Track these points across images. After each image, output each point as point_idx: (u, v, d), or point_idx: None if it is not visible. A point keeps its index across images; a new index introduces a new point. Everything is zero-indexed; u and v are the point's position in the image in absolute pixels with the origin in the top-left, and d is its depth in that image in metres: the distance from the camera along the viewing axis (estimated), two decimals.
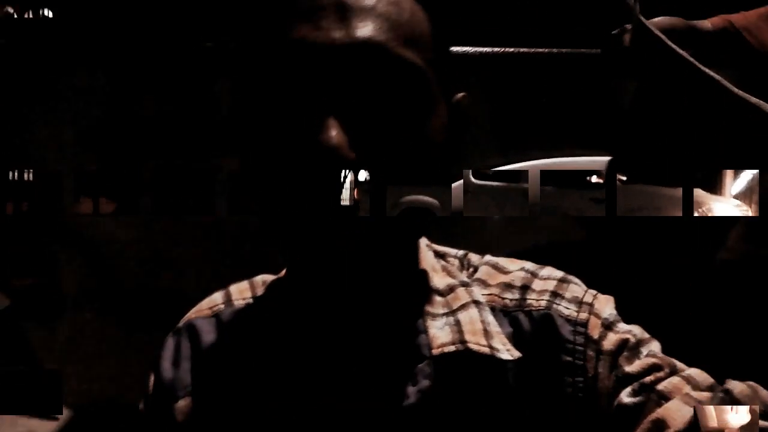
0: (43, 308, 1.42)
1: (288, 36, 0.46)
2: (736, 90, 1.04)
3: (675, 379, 0.49)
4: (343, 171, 0.44)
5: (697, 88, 1.12)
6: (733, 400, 0.46)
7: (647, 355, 0.51)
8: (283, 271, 0.62)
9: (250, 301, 0.61)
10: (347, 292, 0.51)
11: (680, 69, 1.13)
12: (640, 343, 0.52)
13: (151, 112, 1.41)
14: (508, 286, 0.57)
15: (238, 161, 0.52)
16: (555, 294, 0.55)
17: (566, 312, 0.54)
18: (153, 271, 1.45)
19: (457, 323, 0.53)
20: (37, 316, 1.43)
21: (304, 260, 0.50)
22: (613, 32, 1.32)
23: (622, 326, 0.54)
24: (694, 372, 0.50)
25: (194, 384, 0.57)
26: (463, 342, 0.52)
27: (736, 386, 0.47)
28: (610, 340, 0.52)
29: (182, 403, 0.56)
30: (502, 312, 0.55)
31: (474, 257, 0.62)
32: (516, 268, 0.59)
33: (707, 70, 1.07)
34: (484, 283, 0.58)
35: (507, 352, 0.51)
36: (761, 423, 0.44)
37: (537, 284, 0.56)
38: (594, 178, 1.33)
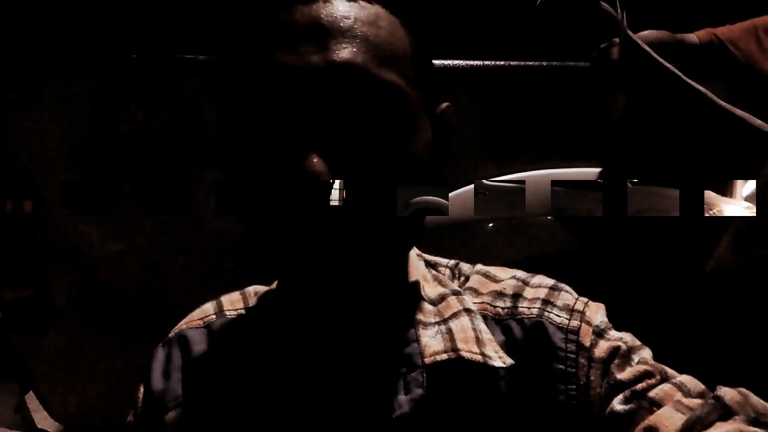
0: (34, 321, 1.41)
1: (267, 60, 0.46)
2: (721, 103, 1.05)
3: (666, 386, 0.49)
4: (328, 191, 0.44)
5: (684, 100, 1.13)
6: (724, 407, 0.46)
7: (638, 363, 0.51)
8: (275, 283, 0.62)
9: (242, 311, 0.61)
10: (338, 304, 0.51)
11: (667, 82, 1.15)
12: (631, 350, 0.52)
13: (138, 124, 1.41)
14: (500, 295, 0.57)
15: (221, 173, 0.52)
16: (546, 302, 0.55)
17: (558, 320, 0.54)
18: (143, 282, 1.44)
19: (449, 331, 0.53)
20: (28, 329, 1.42)
21: (293, 275, 0.50)
22: (601, 46, 1.34)
23: (614, 334, 0.54)
24: (685, 379, 0.51)
25: (185, 395, 0.56)
26: (456, 350, 0.52)
27: (726, 393, 0.47)
28: (602, 348, 0.52)
29: (172, 415, 0.55)
30: (494, 320, 0.55)
31: (465, 266, 0.62)
32: (507, 276, 0.59)
33: (693, 84, 1.09)
34: (475, 292, 0.58)
35: (499, 359, 0.51)
36: (753, 430, 0.44)
37: (528, 292, 0.56)
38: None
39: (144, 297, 1.44)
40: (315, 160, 0.43)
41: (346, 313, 0.52)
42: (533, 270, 0.60)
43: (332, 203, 0.44)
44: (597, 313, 0.55)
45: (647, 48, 1.17)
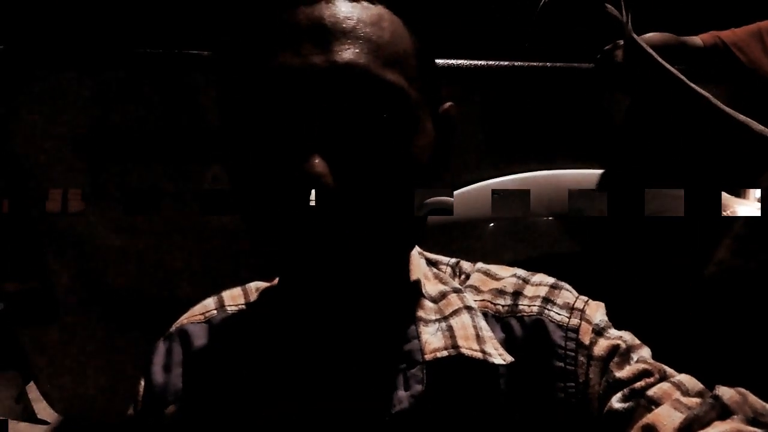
0: (36, 313, 1.42)
1: (269, 62, 0.46)
2: (724, 107, 1.05)
3: (665, 385, 0.49)
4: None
5: (686, 104, 1.13)
6: (722, 406, 0.46)
7: (637, 361, 0.52)
8: (276, 279, 0.62)
9: (243, 307, 0.61)
10: (338, 302, 0.51)
11: (670, 85, 1.15)
12: (630, 349, 0.53)
13: (142, 119, 1.41)
14: (500, 293, 0.57)
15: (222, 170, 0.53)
16: (547, 300, 0.56)
17: (558, 318, 0.54)
18: (145, 275, 1.45)
19: (450, 329, 0.54)
20: (30, 321, 1.42)
21: (294, 275, 0.50)
22: (605, 48, 1.33)
23: (613, 332, 0.54)
24: (684, 378, 0.51)
25: (185, 389, 0.57)
26: (456, 347, 0.52)
27: (725, 392, 0.47)
28: (601, 346, 0.53)
29: (172, 409, 0.56)
30: (494, 318, 0.56)
31: (466, 265, 0.62)
32: (508, 274, 0.60)
33: (696, 87, 1.08)
34: (476, 290, 0.59)
35: (499, 356, 0.52)
36: (751, 429, 0.44)
37: (529, 290, 0.57)
38: None
39: (145, 290, 1.44)
40: (317, 161, 0.43)
41: (346, 310, 0.53)
42: (535, 270, 0.60)
43: (333, 205, 0.45)
44: (597, 312, 0.56)
45: (651, 51, 1.17)
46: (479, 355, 0.52)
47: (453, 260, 0.63)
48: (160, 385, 0.58)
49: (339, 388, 0.53)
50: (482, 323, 0.55)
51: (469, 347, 0.52)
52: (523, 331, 0.54)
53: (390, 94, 0.46)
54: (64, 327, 1.46)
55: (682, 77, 1.12)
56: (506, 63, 1.45)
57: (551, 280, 0.59)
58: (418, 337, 0.53)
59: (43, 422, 1.45)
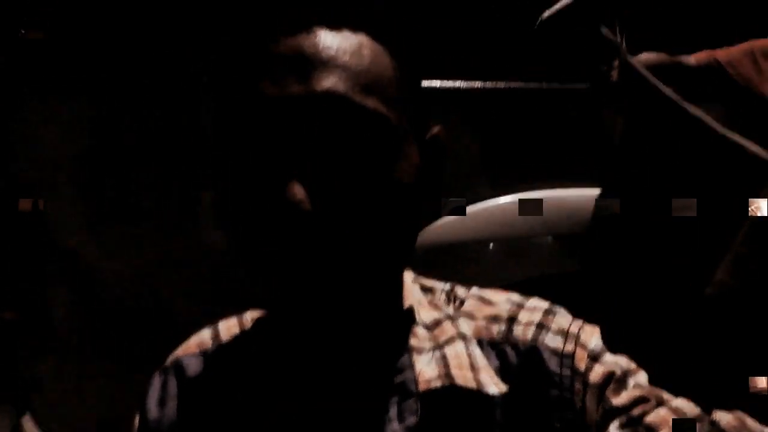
0: (33, 343, 1.41)
1: (251, 91, 0.46)
2: (719, 127, 1.06)
3: (662, 411, 0.49)
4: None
5: (682, 125, 1.14)
6: (720, 431, 0.46)
7: (634, 387, 0.51)
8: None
9: (239, 338, 0.61)
10: (329, 332, 0.51)
11: (666, 106, 1.16)
12: (626, 374, 0.52)
13: (137, 141, 1.42)
14: (495, 319, 0.57)
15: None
16: (541, 326, 0.55)
17: (552, 344, 0.53)
18: (143, 302, 1.44)
19: (444, 358, 0.53)
20: (27, 351, 1.42)
21: (281, 305, 0.50)
22: (600, 68, 1.35)
23: (609, 357, 0.54)
24: (681, 403, 0.50)
25: (180, 423, 0.56)
26: (450, 377, 0.51)
27: (722, 417, 0.47)
28: (597, 373, 0.52)
29: None
30: (489, 345, 0.55)
31: (460, 290, 0.61)
32: (502, 299, 0.59)
33: (691, 108, 1.09)
34: (470, 316, 0.58)
35: (494, 386, 0.51)
36: None
37: (523, 316, 0.56)
38: None
39: (144, 314, 1.44)
40: (296, 189, 0.44)
41: (338, 341, 0.52)
42: (534, 291, 0.60)
43: (314, 231, 0.45)
44: (592, 337, 0.55)
45: (645, 72, 1.18)
46: (473, 384, 0.51)
47: (447, 285, 0.62)
48: (155, 420, 0.57)
49: (332, 420, 0.52)
50: (476, 351, 0.54)
51: (462, 377, 0.52)
52: (518, 359, 0.53)
53: (369, 120, 0.46)
54: (61, 356, 1.45)
55: (677, 98, 1.13)
56: (503, 84, 1.47)
57: (545, 304, 0.58)
58: (411, 366, 0.53)
59: None
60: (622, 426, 0.49)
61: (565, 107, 1.49)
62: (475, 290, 0.61)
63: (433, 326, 0.56)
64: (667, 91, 1.14)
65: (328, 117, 0.45)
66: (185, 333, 0.65)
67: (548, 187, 1.48)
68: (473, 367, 0.52)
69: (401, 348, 0.54)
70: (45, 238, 1.39)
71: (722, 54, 1.46)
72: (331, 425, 0.52)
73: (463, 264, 1.46)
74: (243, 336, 0.61)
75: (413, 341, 0.54)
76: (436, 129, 0.55)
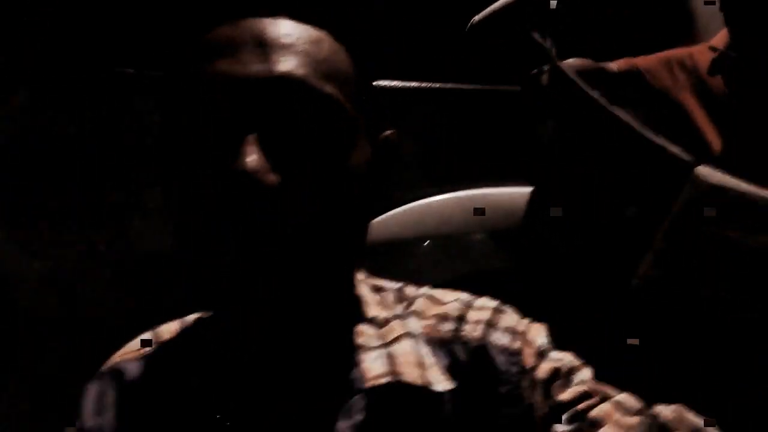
0: None
1: (209, 70, 0.47)
2: (642, 130, 1.13)
3: (605, 406, 0.50)
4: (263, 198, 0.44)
5: (607, 127, 1.20)
6: (659, 425, 0.48)
7: (578, 383, 0.53)
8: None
9: (180, 340, 0.59)
10: (276, 327, 0.50)
11: (592, 109, 1.22)
12: (572, 370, 0.54)
13: (68, 136, 1.34)
14: (444, 318, 0.57)
15: (154, 193, 0.52)
16: (489, 324, 0.56)
17: (501, 342, 0.55)
18: (62, 307, 1.36)
19: (390, 355, 0.53)
20: None
21: (224, 293, 0.49)
22: (531, 72, 1.40)
23: (555, 354, 0.55)
24: (624, 397, 0.52)
25: (121, 431, 0.54)
26: (397, 374, 0.52)
27: (662, 410, 0.50)
28: (543, 369, 0.53)
29: None
30: (438, 344, 0.56)
31: (410, 289, 0.62)
32: (452, 299, 0.60)
33: (615, 111, 1.16)
34: (420, 315, 0.58)
35: (441, 383, 0.52)
36: None
37: (472, 315, 0.57)
38: None
39: (65, 317, 1.36)
40: (253, 157, 0.44)
41: (284, 337, 0.52)
42: (469, 287, 0.61)
43: (265, 205, 0.44)
44: (539, 334, 0.56)
45: (574, 77, 1.24)
46: (420, 381, 0.52)
47: (397, 285, 0.63)
48: (92, 430, 0.55)
49: (279, 418, 0.52)
50: (425, 350, 0.54)
51: (410, 374, 0.52)
52: (467, 357, 0.54)
53: (326, 104, 0.47)
54: None
55: (603, 102, 1.20)
56: (438, 85, 1.50)
57: (494, 303, 0.59)
58: (358, 364, 0.53)
59: None
60: (567, 421, 0.50)
61: (498, 108, 1.53)
62: (425, 289, 0.62)
63: (382, 324, 0.56)
64: (594, 94, 1.20)
65: (286, 98, 0.46)
66: (103, 339, 0.62)
67: (482, 186, 1.53)
68: (421, 365, 0.53)
69: (349, 346, 0.54)
70: None
71: (642, 62, 1.55)
72: (277, 423, 0.51)
73: (399, 260, 1.47)
74: (185, 337, 0.59)
75: (361, 339, 0.54)
76: (388, 132, 0.56)
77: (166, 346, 0.59)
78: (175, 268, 1.25)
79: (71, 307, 1.37)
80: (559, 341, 0.57)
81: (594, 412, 0.50)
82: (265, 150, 0.45)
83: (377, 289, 0.61)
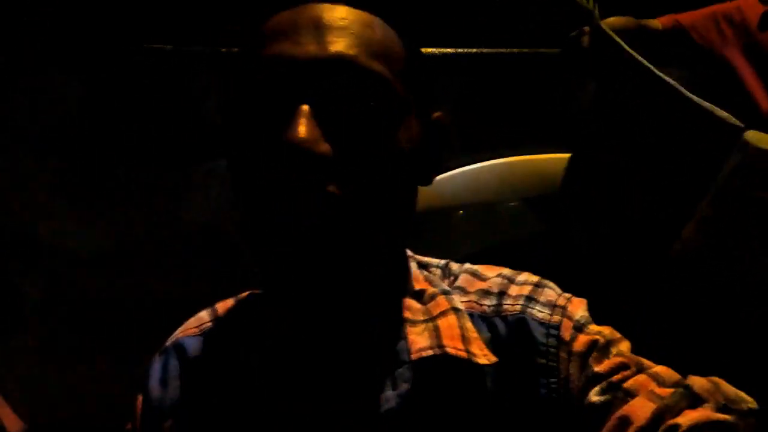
0: (1, 322, 1.37)
1: (270, 52, 0.49)
2: (688, 94, 1.08)
3: (641, 377, 0.51)
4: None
5: (651, 89, 1.16)
6: (692, 395, 0.49)
7: (616, 355, 0.53)
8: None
9: (238, 316, 0.62)
10: (329, 302, 0.52)
11: (636, 71, 1.18)
12: (609, 343, 0.54)
13: (123, 118, 1.37)
14: (486, 293, 0.59)
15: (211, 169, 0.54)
16: (530, 298, 0.57)
17: (540, 315, 0.56)
18: (119, 282, 1.41)
19: (436, 329, 0.54)
20: None
21: (280, 268, 0.50)
22: (571, 34, 1.35)
23: (593, 328, 0.56)
24: (660, 369, 0.52)
25: (182, 403, 0.57)
26: (441, 346, 0.53)
27: (695, 382, 0.50)
28: (581, 342, 0.54)
29: (170, 423, 0.56)
30: (480, 318, 0.57)
31: (454, 266, 0.64)
32: (493, 274, 0.61)
33: (661, 74, 1.11)
34: (463, 291, 0.60)
35: (484, 357, 0.53)
36: (721, 416, 0.47)
37: (513, 289, 0.58)
38: None
39: (118, 295, 1.40)
40: (303, 127, 0.46)
41: (336, 312, 0.53)
42: (504, 255, 0.62)
43: (320, 173, 0.46)
44: (578, 309, 0.57)
45: (617, 38, 1.19)
46: (464, 354, 0.53)
47: (443, 262, 0.65)
48: (157, 400, 0.58)
49: (328, 389, 0.53)
50: (468, 324, 0.55)
51: (454, 347, 0.53)
52: (507, 330, 0.55)
53: (377, 83, 0.49)
54: (32, 336, 1.41)
55: (648, 64, 1.15)
56: (475, 50, 1.46)
57: (535, 278, 0.60)
58: (405, 337, 0.54)
59: None
60: (602, 391, 0.51)
61: (538, 73, 1.49)
62: (467, 266, 0.63)
63: (428, 300, 0.58)
64: (639, 57, 1.16)
65: (339, 76, 0.48)
66: (161, 316, 0.64)
67: (518, 153, 1.50)
68: (464, 338, 0.54)
69: (396, 320, 0.56)
70: (15, 218, 1.34)
71: (687, 18, 1.49)
72: (327, 393, 0.53)
73: (434, 231, 1.47)
74: (242, 314, 0.62)
75: (408, 314, 0.56)
76: (438, 113, 0.57)
77: (223, 322, 0.62)
78: (233, 244, 1.28)
79: (132, 284, 1.41)
80: (598, 313, 0.57)
81: (629, 383, 0.51)
82: (318, 122, 0.47)
83: (423, 266, 0.63)
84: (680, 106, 1.10)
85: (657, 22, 1.50)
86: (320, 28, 0.49)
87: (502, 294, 0.58)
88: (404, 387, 0.51)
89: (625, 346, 0.55)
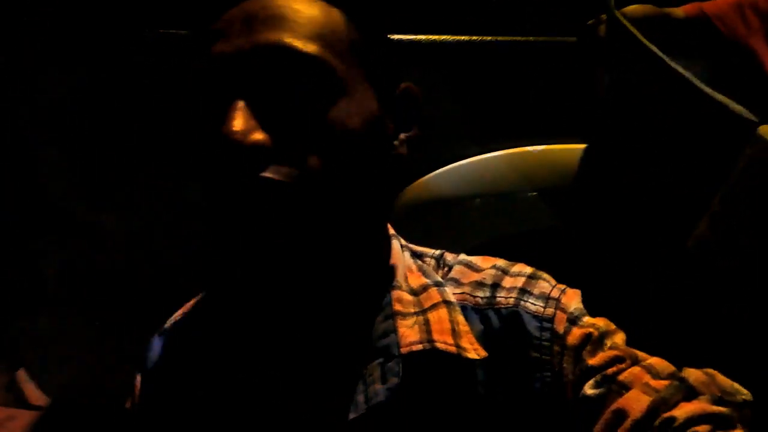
0: (23, 300, 1.41)
1: (212, 51, 0.50)
2: (703, 86, 1.06)
3: (635, 369, 0.51)
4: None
5: (666, 81, 1.13)
6: (687, 387, 0.48)
7: (610, 348, 0.53)
8: None
9: (226, 303, 0.62)
10: (296, 289, 0.52)
11: (650, 62, 1.15)
12: (603, 335, 0.54)
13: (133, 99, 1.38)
14: (480, 285, 0.58)
15: None
16: (523, 291, 0.57)
17: (533, 308, 0.55)
18: (138, 263, 1.44)
19: (427, 322, 0.54)
20: (16, 308, 1.42)
21: (240, 262, 0.51)
22: (588, 22, 1.33)
23: (587, 320, 0.55)
24: (655, 361, 0.52)
25: (176, 383, 0.58)
26: (431, 341, 0.53)
27: (691, 374, 0.49)
28: (574, 335, 0.54)
29: (167, 402, 0.58)
30: (473, 310, 0.57)
31: (449, 256, 0.63)
32: (488, 266, 0.61)
33: (676, 66, 1.09)
34: (457, 282, 0.59)
35: (474, 351, 0.53)
36: (717, 409, 0.46)
37: (507, 281, 0.58)
38: None
39: (138, 273, 1.43)
40: (235, 121, 0.46)
41: (314, 300, 0.53)
42: (517, 246, 0.61)
43: (256, 166, 0.46)
44: (573, 300, 0.57)
45: (632, 28, 1.17)
46: (453, 349, 0.53)
47: (438, 252, 0.64)
48: (156, 380, 0.60)
49: (316, 381, 0.54)
50: (459, 317, 0.55)
51: (443, 341, 0.53)
52: (500, 323, 0.55)
53: (311, 64, 0.49)
54: (52, 312, 1.45)
55: (662, 55, 1.12)
56: (489, 38, 1.44)
57: (529, 270, 0.60)
58: (395, 330, 0.54)
59: (36, 407, 1.46)
60: (596, 384, 0.51)
61: (553, 62, 1.47)
62: (462, 257, 0.63)
63: (420, 291, 0.58)
64: (653, 47, 1.13)
65: (270, 64, 0.48)
66: (179, 292, 0.66)
67: (533, 143, 1.48)
68: (455, 332, 0.54)
69: (386, 312, 0.56)
70: (35, 194, 1.37)
71: (710, 6, 1.44)
72: (315, 385, 0.54)
73: (448, 220, 1.47)
74: (232, 301, 0.62)
75: (398, 306, 0.56)
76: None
77: (213, 305, 0.62)
78: None
79: (162, 264, 1.44)
80: (597, 305, 0.57)
81: (623, 376, 0.50)
82: (255, 113, 0.47)
83: (418, 256, 0.62)
84: (694, 99, 1.08)
85: (680, 11, 1.46)
86: (251, 20, 0.50)
87: (495, 286, 0.58)
88: (394, 381, 0.51)
89: (619, 337, 0.55)
